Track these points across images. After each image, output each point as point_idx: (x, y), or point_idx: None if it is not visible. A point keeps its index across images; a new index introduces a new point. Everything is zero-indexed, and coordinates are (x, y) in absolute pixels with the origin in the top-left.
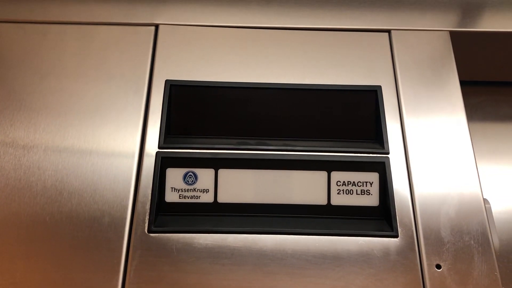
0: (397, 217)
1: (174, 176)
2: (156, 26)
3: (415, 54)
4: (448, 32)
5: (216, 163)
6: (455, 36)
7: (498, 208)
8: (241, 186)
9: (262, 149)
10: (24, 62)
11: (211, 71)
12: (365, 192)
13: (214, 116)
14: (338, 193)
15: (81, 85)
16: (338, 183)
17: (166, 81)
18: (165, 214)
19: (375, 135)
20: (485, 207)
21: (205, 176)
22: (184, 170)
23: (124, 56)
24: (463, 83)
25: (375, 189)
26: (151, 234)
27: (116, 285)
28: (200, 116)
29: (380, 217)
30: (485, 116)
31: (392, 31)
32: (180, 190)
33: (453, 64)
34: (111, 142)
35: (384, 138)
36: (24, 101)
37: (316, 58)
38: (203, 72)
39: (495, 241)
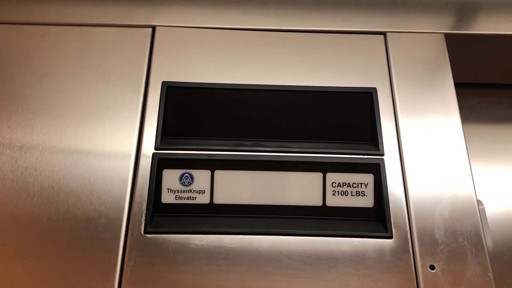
0: (391, 218)
1: (171, 177)
2: (153, 28)
3: (410, 56)
4: (443, 34)
5: (212, 164)
6: (450, 38)
7: (492, 209)
8: (237, 187)
9: (258, 151)
10: (22, 63)
11: (208, 73)
12: (360, 193)
13: (210, 118)
14: (333, 194)
15: (78, 86)
16: (333, 184)
17: (163, 82)
18: (161, 215)
19: (370, 137)
20: (478, 208)
21: (201, 177)
22: (181, 171)
23: (121, 58)
24: (457, 85)
25: (370, 191)
26: (147, 235)
27: (113, 285)
28: (196, 118)
29: (375, 218)
30: (480, 118)
31: (387, 34)
32: (177, 191)
33: (448, 66)
34: (108, 143)
35: (379, 139)
36: (21, 102)
37: (312, 60)
38: (200, 74)
39: (488, 242)
